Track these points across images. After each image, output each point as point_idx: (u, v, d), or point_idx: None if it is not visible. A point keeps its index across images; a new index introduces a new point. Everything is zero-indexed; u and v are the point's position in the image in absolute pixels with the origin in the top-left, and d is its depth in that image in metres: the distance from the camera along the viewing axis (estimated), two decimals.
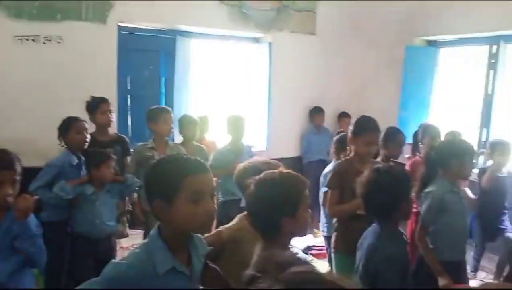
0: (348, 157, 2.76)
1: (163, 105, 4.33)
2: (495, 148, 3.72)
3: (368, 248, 1.91)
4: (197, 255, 1.43)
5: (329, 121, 5.86)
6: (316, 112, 5.66)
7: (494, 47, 4.51)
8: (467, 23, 4.55)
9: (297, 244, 4.80)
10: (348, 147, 2.92)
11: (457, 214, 2.48)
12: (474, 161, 2.79)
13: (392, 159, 3.40)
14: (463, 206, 2.55)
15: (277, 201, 1.48)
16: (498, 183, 3.69)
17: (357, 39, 5.78)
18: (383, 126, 5.31)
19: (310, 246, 4.79)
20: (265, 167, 1.91)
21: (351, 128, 2.71)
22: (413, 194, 3.09)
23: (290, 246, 1.68)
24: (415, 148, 4.04)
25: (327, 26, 5.67)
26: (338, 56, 5.80)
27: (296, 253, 1.01)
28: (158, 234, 1.36)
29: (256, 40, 5.56)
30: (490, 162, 3.79)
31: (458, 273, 2.46)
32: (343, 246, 2.60)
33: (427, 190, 2.54)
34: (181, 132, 3.82)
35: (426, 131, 3.96)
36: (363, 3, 5.56)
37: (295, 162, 5.62)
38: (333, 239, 2.74)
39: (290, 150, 5.71)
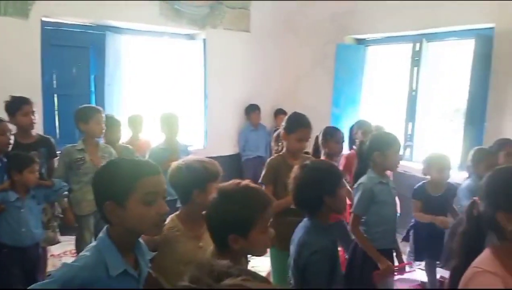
0: (280, 153, 2.81)
1: (93, 104, 4.14)
2: (432, 164, 3.35)
3: (297, 243, 1.94)
4: (144, 260, 1.44)
5: (266, 118, 5.93)
6: (252, 110, 5.70)
7: (417, 45, 4.77)
8: (392, 23, 4.79)
9: None
10: (280, 143, 2.97)
11: (386, 204, 2.60)
12: (400, 153, 2.91)
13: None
14: (392, 197, 2.67)
15: (228, 217, 1.42)
16: (433, 203, 3.30)
17: (290, 37, 5.89)
18: (317, 123, 5.47)
19: None
20: (199, 165, 1.89)
21: (283, 124, 2.76)
22: (349, 187, 3.23)
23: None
24: (350, 143, 4.20)
25: (261, 24, 5.72)
26: (273, 53, 5.88)
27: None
28: (108, 236, 1.35)
29: (190, 36, 5.49)
30: (428, 177, 3.43)
31: (390, 261, 2.59)
32: (278, 242, 2.63)
33: (358, 182, 2.66)
34: (104, 134, 3.53)
35: (359, 126, 4.16)
36: (295, 2, 5.67)
37: (233, 160, 5.64)
38: None
39: (228, 147, 5.72)
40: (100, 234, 1.38)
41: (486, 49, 4.04)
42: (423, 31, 4.64)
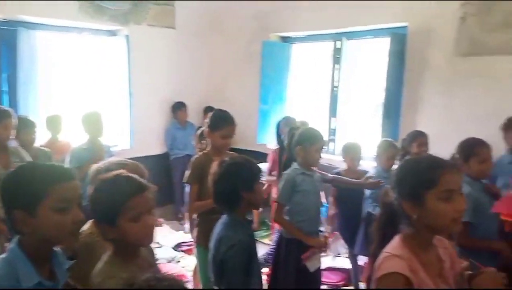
0: (205, 151, 2.80)
1: (4, 106, 3.85)
2: (347, 152, 3.68)
3: (215, 238, 1.96)
4: (61, 270, 1.38)
5: (194, 116, 5.88)
6: (178, 107, 5.63)
7: (338, 43, 4.97)
8: (314, 21, 4.94)
9: (167, 241, 4.78)
10: (203, 141, 2.97)
11: (308, 193, 2.73)
12: (324, 148, 3.03)
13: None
14: (315, 187, 2.79)
15: (96, 205, 1.42)
16: (349, 190, 3.48)
17: (217, 34, 5.88)
18: (245, 120, 5.52)
19: (180, 243, 4.77)
20: (118, 168, 1.83)
21: (207, 122, 2.77)
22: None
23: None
24: (278, 138, 4.29)
25: (187, 20, 5.65)
26: (199, 50, 5.84)
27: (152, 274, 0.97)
28: (19, 247, 1.28)
29: (112, 33, 5.28)
30: (344, 166, 3.72)
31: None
32: (203, 239, 2.64)
33: (283, 173, 2.78)
34: (16, 137, 3.30)
35: (285, 122, 4.27)
36: None
37: (161, 159, 5.55)
38: (194, 234, 2.76)
39: (156, 147, 5.61)
40: (11, 245, 1.30)
41: (400, 47, 4.29)
42: (342, 30, 4.83)
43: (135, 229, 1.40)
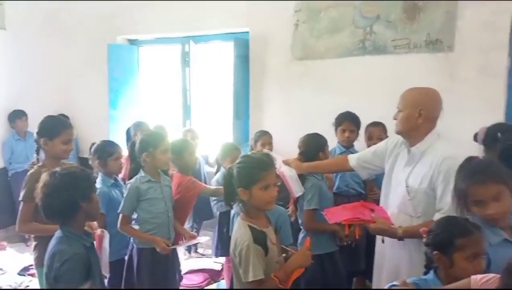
0: (40, 164, 2.57)
1: None
2: (228, 154, 3.47)
3: (48, 255, 1.85)
4: None
5: (35, 125, 5.37)
6: (17, 116, 5.12)
7: (186, 46, 5.03)
8: (162, 24, 4.93)
9: (12, 266, 4.33)
10: (35, 155, 2.75)
11: (156, 200, 2.72)
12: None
13: None
14: (163, 194, 2.77)
15: None
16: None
17: (57, 35, 5.48)
18: (95, 125, 5.26)
19: (27, 266, 4.33)
20: None
21: (38, 132, 2.59)
22: None
23: None
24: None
25: (19, 20, 5.16)
26: (37, 53, 5.37)
27: None
28: None
29: None
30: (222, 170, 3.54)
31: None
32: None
33: (127, 182, 2.73)
34: None
35: (136, 127, 4.16)
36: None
37: None
38: (34, 256, 2.54)
39: None
40: None
41: (243, 51, 4.53)
42: (190, 33, 4.91)
43: None
